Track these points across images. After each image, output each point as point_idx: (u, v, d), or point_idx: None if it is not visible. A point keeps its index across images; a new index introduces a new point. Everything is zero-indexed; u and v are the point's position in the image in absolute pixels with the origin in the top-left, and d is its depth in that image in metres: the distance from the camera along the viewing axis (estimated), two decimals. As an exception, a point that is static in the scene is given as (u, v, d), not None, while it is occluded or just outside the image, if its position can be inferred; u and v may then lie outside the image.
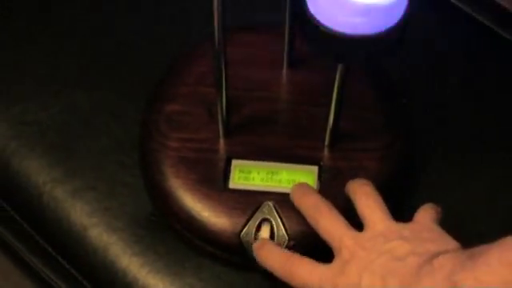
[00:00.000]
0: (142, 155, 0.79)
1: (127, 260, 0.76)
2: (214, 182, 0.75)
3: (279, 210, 0.74)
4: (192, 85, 0.80)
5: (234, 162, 0.77)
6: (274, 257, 0.71)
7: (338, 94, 0.70)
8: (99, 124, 0.82)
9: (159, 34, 0.87)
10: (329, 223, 0.70)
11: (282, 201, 0.74)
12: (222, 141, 0.77)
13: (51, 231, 0.80)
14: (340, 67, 0.67)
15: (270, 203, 0.74)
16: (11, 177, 0.81)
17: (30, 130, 0.82)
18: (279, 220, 0.74)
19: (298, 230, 0.73)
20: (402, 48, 0.63)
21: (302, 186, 0.74)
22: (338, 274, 0.67)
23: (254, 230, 0.74)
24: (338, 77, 0.68)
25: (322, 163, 0.76)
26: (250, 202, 0.75)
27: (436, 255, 0.63)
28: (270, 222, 0.74)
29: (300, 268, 0.69)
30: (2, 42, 0.87)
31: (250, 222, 0.74)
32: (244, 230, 0.74)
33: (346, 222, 0.70)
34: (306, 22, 0.62)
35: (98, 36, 0.87)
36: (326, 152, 0.77)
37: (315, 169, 0.76)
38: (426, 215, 0.70)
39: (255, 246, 0.73)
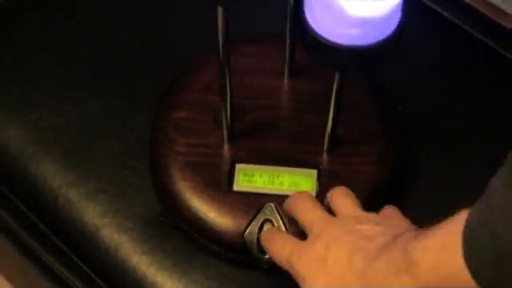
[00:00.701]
0: (151, 160, 0.79)
1: (137, 258, 0.76)
2: (219, 185, 0.75)
3: (280, 211, 0.74)
4: (198, 93, 0.80)
5: (238, 166, 0.76)
6: (265, 233, 0.73)
7: (336, 100, 0.70)
8: (111, 130, 0.82)
9: (167, 45, 0.87)
10: (304, 207, 0.70)
11: (283, 202, 0.74)
12: (226, 146, 0.77)
13: (66, 231, 0.80)
14: (337, 75, 0.67)
15: (272, 205, 0.74)
16: (28, 180, 0.81)
17: (45, 136, 0.82)
18: (280, 221, 0.74)
19: (299, 230, 0.72)
20: (395, 57, 0.63)
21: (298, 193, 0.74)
22: (305, 247, 0.67)
23: (257, 230, 0.73)
24: (335, 84, 0.68)
25: (320, 167, 0.76)
26: (253, 203, 0.74)
27: (400, 234, 0.63)
28: (272, 223, 0.74)
29: (275, 240, 0.70)
30: (21, 52, 0.87)
31: (253, 223, 0.74)
32: (247, 230, 0.74)
33: (324, 209, 0.70)
34: (305, 34, 0.62)
35: (111, 47, 0.87)
36: (324, 156, 0.77)
37: (314, 172, 0.76)
38: (390, 208, 0.71)
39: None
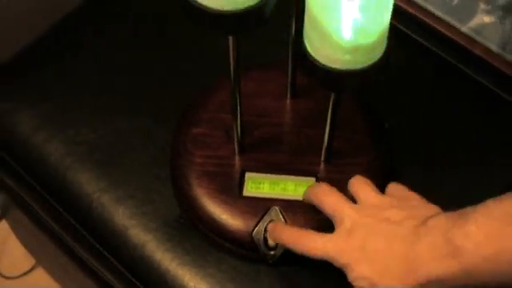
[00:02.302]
0: (172, 169, 0.79)
1: (160, 254, 0.76)
2: (230, 191, 0.75)
3: (284, 214, 0.73)
4: (213, 112, 0.79)
5: (247, 175, 0.76)
6: (285, 233, 0.70)
7: (332, 118, 0.70)
8: (138, 144, 0.82)
9: (186, 71, 0.86)
10: (332, 200, 0.68)
11: (286, 206, 0.74)
12: (237, 157, 0.77)
13: (99, 231, 0.79)
14: (333, 95, 0.67)
15: (277, 208, 0.74)
16: (67, 187, 0.81)
17: (81, 149, 0.81)
18: (284, 222, 0.73)
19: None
20: (383, 79, 0.62)
21: (315, 184, 0.73)
22: (343, 241, 0.65)
23: (263, 229, 0.73)
24: (331, 104, 0.68)
25: (318, 175, 0.76)
26: (260, 207, 0.74)
27: (429, 217, 0.62)
28: (277, 223, 0.73)
29: (308, 239, 0.67)
30: (62, 76, 0.87)
31: (260, 223, 0.73)
32: (255, 229, 0.73)
33: (346, 198, 0.68)
34: (305, 60, 0.62)
35: (139, 74, 0.87)
36: (322, 166, 0.76)
37: (313, 180, 0.75)
38: (398, 187, 0.70)
39: (269, 228, 0.72)
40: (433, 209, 0.66)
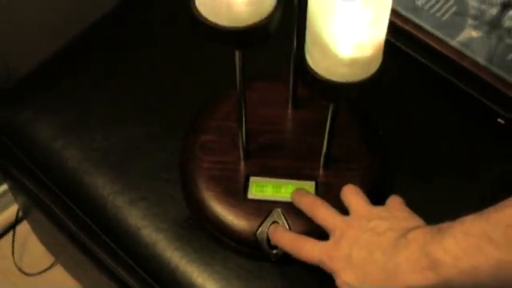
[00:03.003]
0: (181, 173, 0.79)
1: (170, 253, 0.76)
2: (236, 194, 0.75)
3: (286, 215, 0.74)
4: (220, 120, 0.80)
5: (252, 179, 0.76)
6: (284, 238, 0.71)
7: (331, 127, 0.70)
8: (150, 150, 0.82)
9: (195, 82, 0.87)
10: (324, 212, 0.70)
11: (288, 208, 0.74)
12: (242, 163, 0.77)
13: (113, 231, 0.79)
14: (332, 106, 0.67)
15: (279, 210, 0.74)
16: (84, 190, 0.81)
17: (97, 155, 0.82)
18: (285, 222, 0.73)
19: (300, 230, 0.73)
20: (378, 90, 0.62)
21: (299, 190, 0.74)
22: (333, 249, 0.66)
23: (267, 230, 0.73)
24: (330, 113, 0.68)
25: (318, 179, 0.76)
26: (264, 208, 0.74)
27: (409, 230, 0.62)
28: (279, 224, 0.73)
29: (304, 245, 0.69)
30: (79, 88, 0.87)
31: (264, 224, 0.74)
32: (259, 230, 0.73)
33: (337, 210, 0.70)
34: (306, 73, 0.62)
35: (150, 85, 0.87)
36: (321, 171, 0.76)
37: (313, 184, 0.76)
38: (395, 200, 0.71)
39: (270, 230, 0.72)
40: (415, 221, 0.66)
